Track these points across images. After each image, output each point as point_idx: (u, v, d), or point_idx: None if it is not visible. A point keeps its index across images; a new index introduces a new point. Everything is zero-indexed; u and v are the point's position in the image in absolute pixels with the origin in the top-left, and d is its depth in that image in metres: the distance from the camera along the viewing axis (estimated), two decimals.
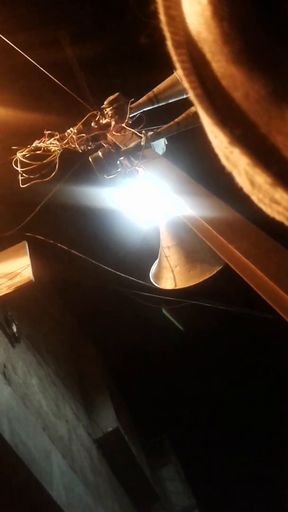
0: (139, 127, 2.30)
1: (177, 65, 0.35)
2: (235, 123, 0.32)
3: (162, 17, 0.34)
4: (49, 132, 2.55)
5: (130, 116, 2.38)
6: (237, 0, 0.28)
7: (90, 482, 4.75)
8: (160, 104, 2.34)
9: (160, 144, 2.31)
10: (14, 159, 2.54)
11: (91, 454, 5.45)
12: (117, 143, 2.30)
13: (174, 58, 0.35)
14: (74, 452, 4.68)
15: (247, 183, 0.35)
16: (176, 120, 2.19)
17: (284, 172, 0.31)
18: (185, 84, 0.35)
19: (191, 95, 0.35)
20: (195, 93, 0.35)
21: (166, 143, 2.38)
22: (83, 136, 2.48)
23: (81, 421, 5.67)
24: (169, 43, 0.35)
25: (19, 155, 2.52)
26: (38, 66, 2.89)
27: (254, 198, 0.36)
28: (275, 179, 0.32)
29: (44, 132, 2.56)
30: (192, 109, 2.16)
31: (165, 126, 2.22)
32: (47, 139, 2.55)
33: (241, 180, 0.36)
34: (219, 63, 0.31)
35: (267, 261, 0.94)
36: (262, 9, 0.27)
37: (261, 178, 0.32)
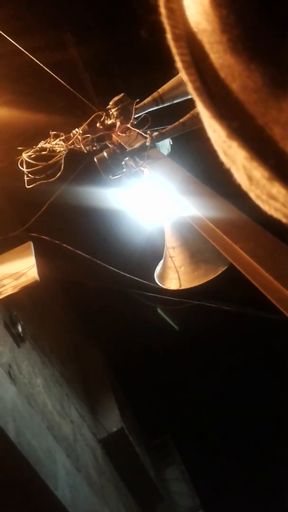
0: (144, 128, 2.30)
1: (177, 57, 0.35)
2: (232, 115, 0.32)
3: (162, 10, 0.34)
4: (54, 132, 2.56)
5: (135, 116, 2.39)
6: None
7: (94, 482, 4.75)
8: (165, 105, 2.35)
9: (165, 145, 2.31)
10: (20, 159, 2.54)
11: (96, 454, 5.45)
12: (122, 144, 2.30)
13: (174, 50, 0.35)
14: (78, 452, 4.69)
15: (245, 179, 0.35)
16: (181, 120, 2.19)
17: (281, 165, 0.31)
18: (184, 77, 0.35)
19: (189, 88, 0.35)
20: (194, 86, 0.35)
21: (171, 143, 2.38)
22: (88, 136, 2.49)
23: (85, 421, 5.68)
24: (168, 36, 0.35)
25: (24, 155, 2.53)
26: (44, 67, 2.90)
27: (252, 195, 0.36)
28: (272, 172, 0.31)
29: (50, 132, 2.57)
30: (197, 109, 2.15)
31: (170, 126, 2.22)
32: (52, 139, 2.56)
33: (239, 176, 0.36)
34: (218, 53, 0.31)
35: (272, 261, 0.94)
36: None
37: (258, 172, 0.32)
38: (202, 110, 0.35)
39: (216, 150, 0.37)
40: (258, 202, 0.36)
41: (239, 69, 0.30)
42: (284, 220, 0.36)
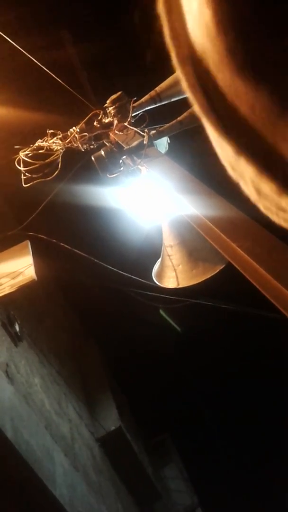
0: (142, 126, 2.29)
1: (183, 79, 0.35)
2: (240, 133, 0.32)
3: (166, 31, 0.34)
4: (51, 131, 2.55)
5: (133, 115, 2.38)
6: (240, 11, 0.28)
7: (92, 481, 4.75)
8: (163, 103, 2.34)
9: (163, 143, 2.31)
10: (17, 158, 2.54)
11: (94, 453, 5.45)
12: (120, 142, 2.30)
13: (179, 72, 0.35)
14: (76, 451, 4.69)
15: (253, 192, 0.35)
16: (178, 118, 2.19)
17: None
18: (191, 98, 0.36)
19: (196, 108, 0.35)
20: (201, 108, 0.35)
21: (169, 141, 2.38)
22: (86, 135, 2.48)
23: (83, 420, 5.68)
24: (174, 58, 0.35)
25: (21, 154, 2.52)
26: (41, 65, 2.89)
27: (261, 206, 0.37)
28: (281, 187, 0.32)
29: (47, 131, 2.56)
30: (195, 108, 2.15)
31: (168, 124, 2.22)
32: (49, 138, 2.55)
33: (248, 190, 0.36)
34: (224, 76, 0.31)
35: (270, 259, 0.94)
36: (265, 19, 0.27)
37: (267, 187, 0.33)
38: (210, 129, 0.35)
39: (223, 165, 0.37)
40: (267, 213, 0.37)
41: (246, 91, 0.30)
42: None
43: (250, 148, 0.32)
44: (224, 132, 0.34)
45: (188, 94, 0.36)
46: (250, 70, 0.29)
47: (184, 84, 0.35)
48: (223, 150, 0.35)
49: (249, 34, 0.28)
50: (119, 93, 2.45)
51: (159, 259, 2.65)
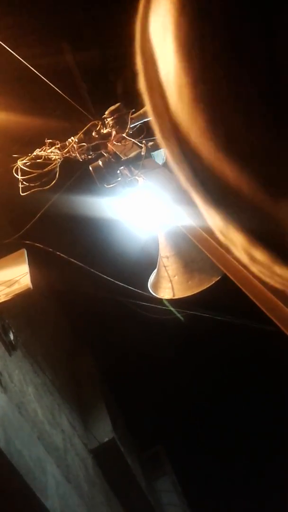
0: (140, 137, 2.31)
1: (168, 153, 0.35)
2: (229, 205, 0.32)
3: (149, 109, 0.35)
4: (50, 140, 2.57)
5: (131, 126, 2.40)
6: (217, 93, 0.28)
7: (84, 493, 4.70)
8: None
9: (160, 154, 2.32)
10: (15, 167, 2.55)
11: (87, 464, 5.40)
12: (118, 153, 2.31)
13: (165, 146, 0.35)
14: (69, 462, 4.64)
15: (245, 258, 0.35)
16: None
17: (284, 248, 0.31)
18: (177, 172, 0.36)
19: (182, 181, 0.36)
20: (188, 181, 0.35)
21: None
22: (84, 145, 2.50)
23: (76, 431, 5.63)
24: (158, 133, 0.35)
25: (19, 163, 2.53)
26: (40, 75, 2.91)
27: (254, 269, 0.36)
28: (274, 256, 0.31)
29: (45, 140, 2.58)
30: None
31: None
32: (48, 147, 2.56)
33: (239, 254, 0.36)
34: (208, 151, 0.31)
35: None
36: (241, 102, 0.27)
37: (260, 255, 0.32)
38: (197, 199, 0.35)
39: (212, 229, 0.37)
40: (261, 275, 0.36)
41: (231, 171, 0.30)
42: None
43: (240, 220, 0.32)
44: (212, 204, 0.33)
45: (174, 167, 0.36)
46: (230, 152, 0.29)
47: (169, 158, 0.35)
48: (211, 217, 0.35)
49: (226, 116, 0.28)
50: (118, 104, 2.47)
51: (155, 270, 2.65)
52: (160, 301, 2.76)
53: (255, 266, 0.35)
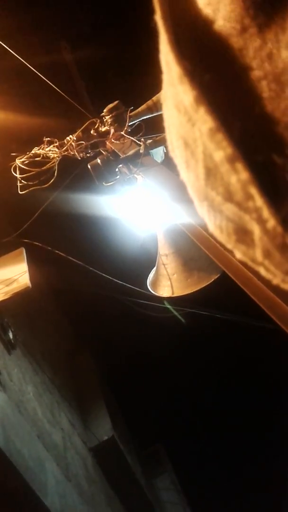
0: (138, 135, 2.30)
1: (157, 13, 0.32)
2: (205, 65, 0.29)
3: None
4: (48, 139, 2.56)
5: (129, 124, 2.39)
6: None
7: (84, 491, 4.71)
8: (159, 113, 2.35)
9: (159, 152, 2.31)
10: (13, 165, 2.54)
11: (86, 462, 5.41)
12: (116, 151, 2.31)
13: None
14: (69, 461, 4.64)
15: (202, 173, 0.31)
16: None
17: (248, 136, 0.28)
18: (160, 28, 0.32)
19: (162, 42, 0.32)
20: (168, 39, 0.31)
21: (165, 151, 2.39)
22: (82, 143, 2.49)
23: (76, 429, 5.64)
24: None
25: (18, 161, 2.52)
26: (38, 73, 2.90)
27: (205, 203, 0.33)
28: (235, 150, 0.27)
29: (44, 139, 2.57)
30: None
31: (164, 134, 2.22)
32: (46, 146, 2.55)
33: (196, 172, 0.32)
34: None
35: (259, 271, 0.93)
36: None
37: (220, 152, 0.28)
38: (172, 71, 0.31)
39: (178, 149, 0.34)
40: (209, 209, 0.32)
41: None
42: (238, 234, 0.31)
43: (213, 86, 0.29)
44: (187, 66, 0.30)
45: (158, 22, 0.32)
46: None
47: (157, 18, 0.32)
48: (181, 111, 0.31)
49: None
50: (116, 102, 2.46)
51: (154, 268, 2.65)
52: (159, 299, 2.75)
53: (209, 190, 0.31)
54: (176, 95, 0.31)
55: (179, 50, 0.30)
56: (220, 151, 0.28)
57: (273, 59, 0.27)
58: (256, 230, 0.28)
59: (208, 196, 0.32)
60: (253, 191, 0.27)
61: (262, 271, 0.32)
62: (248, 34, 0.28)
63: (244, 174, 0.27)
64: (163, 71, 0.34)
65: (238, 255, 0.33)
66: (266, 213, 0.27)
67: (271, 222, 0.27)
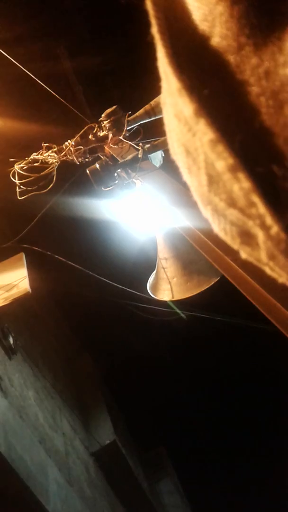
0: (136, 140, 2.31)
1: (152, 22, 0.32)
2: (203, 81, 0.30)
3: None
4: (46, 144, 2.56)
5: (128, 128, 2.40)
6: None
7: (86, 496, 4.69)
8: (157, 117, 2.36)
9: (157, 157, 2.32)
10: (12, 171, 2.54)
11: (88, 467, 5.39)
12: (115, 156, 2.31)
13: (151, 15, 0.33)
14: (70, 465, 4.63)
15: (204, 180, 0.32)
16: None
17: (248, 149, 0.28)
18: (159, 47, 0.32)
19: (160, 58, 0.32)
20: (166, 53, 0.31)
21: (163, 155, 2.39)
22: (81, 148, 2.50)
23: (78, 434, 5.63)
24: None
25: (16, 167, 2.53)
26: (35, 78, 2.91)
27: (209, 207, 0.33)
28: (237, 160, 0.28)
29: (42, 144, 2.58)
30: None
31: (162, 138, 2.23)
32: (44, 151, 2.56)
33: (198, 179, 0.33)
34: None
35: (263, 273, 0.94)
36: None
37: (222, 161, 0.28)
38: (171, 84, 0.31)
39: (179, 155, 0.34)
40: (213, 213, 0.33)
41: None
42: (243, 235, 0.31)
43: (212, 101, 0.29)
44: (186, 80, 0.30)
45: (156, 40, 0.32)
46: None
47: (153, 27, 0.32)
48: (180, 121, 0.31)
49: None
50: (114, 107, 2.47)
51: (154, 272, 2.65)
52: (159, 303, 2.75)
53: (212, 196, 0.31)
54: (175, 105, 0.32)
55: (177, 64, 0.31)
56: (222, 161, 0.28)
57: (271, 77, 0.28)
58: (260, 235, 0.29)
59: (211, 201, 0.33)
60: (256, 199, 0.28)
61: (267, 270, 0.33)
62: (245, 52, 0.28)
63: (246, 183, 0.28)
64: (161, 79, 0.34)
65: (244, 255, 0.34)
66: (269, 220, 0.28)
67: (275, 229, 0.28)
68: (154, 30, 0.32)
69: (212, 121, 0.29)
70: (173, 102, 0.32)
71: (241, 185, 0.28)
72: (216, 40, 0.30)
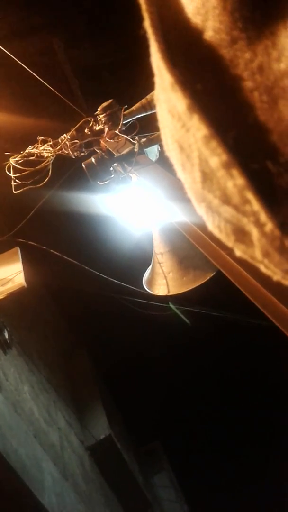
0: (132, 134, 2.30)
1: (145, 16, 0.32)
2: (197, 75, 0.30)
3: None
4: (42, 138, 2.55)
5: (124, 122, 2.39)
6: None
7: (82, 490, 4.71)
8: (153, 111, 2.35)
9: (153, 151, 2.31)
10: (7, 165, 2.53)
11: (83, 461, 5.41)
12: (111, 150, 2.30)
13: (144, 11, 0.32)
14: (66, 460, 4.64)
15: (198, 177, 0.31)
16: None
17: (242, 144, 0.28)
18: (151, 41, 0.32)
19: (153, 51, 0.32)
20: (158, 47, 0.31)
21: (159, 149, 2.38)
22: (77, 142, 2.48)
23: (73, 428, 5.64)
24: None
25: (12, 161, 2.51)
26: (32, 72, 2.89)
27: (203, 204, 0.33)
28: (231, 156, 0.28)
29: (38, 138, 2.56)
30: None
31: (158, 132, 2.22)
32: (40, 145, 2.55)
33: (192, 176, 0.32)
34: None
35: (258, 268, 0.94)
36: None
37: (216, 158, 0.28)
38: (164, 78, 0.31)
39: (173, 151, 0.34)
40: (207, 211, 0.32)
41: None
42: (236, 229, 0.31)
43: (205, 95, 0.29)
44: (178, 74, 0.30)
45: (149, 34, 0.32)
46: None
47: (146, 24, 0.32)
48: (174, 116, 0.31)
49: None
50: (110, 100, 2.46)
51: (150, 266, 2.65)
52: (155, 298, 2.75)
53: (205, 192, 0.31)
54: (169, 100, 0.31)
55: (170, 58, 0.30)
56: (215, 158, 0.28)
57: (264, 72, 0.27)
58: (254, 232, 0.29)
59: (205, 198, 0.32)
60: (250, 196, 0.27)
61: (262, 268, 0.33)
62: (238, 46, 0.28)
63: (240, 180, 0.28)
64: (155, 74, 0.34)
65: (238, 253, 0.34)
66: (263, 217, 0.27)
67: (269, 226, 0.28)
68: (147, 24, 0.32)
69: (205, 116, 0.28)
70: (167, 97, 0.32)
71: (235, 182, 0.28)
72: (209, 34, 0.29)
